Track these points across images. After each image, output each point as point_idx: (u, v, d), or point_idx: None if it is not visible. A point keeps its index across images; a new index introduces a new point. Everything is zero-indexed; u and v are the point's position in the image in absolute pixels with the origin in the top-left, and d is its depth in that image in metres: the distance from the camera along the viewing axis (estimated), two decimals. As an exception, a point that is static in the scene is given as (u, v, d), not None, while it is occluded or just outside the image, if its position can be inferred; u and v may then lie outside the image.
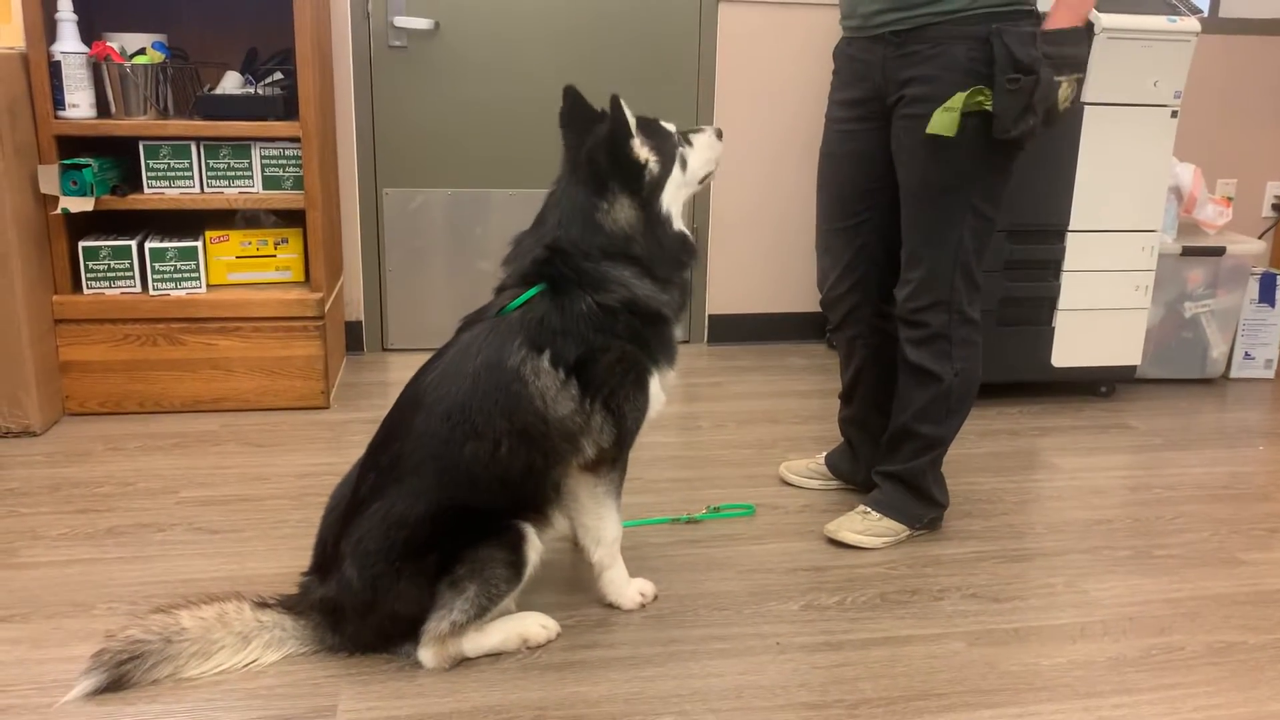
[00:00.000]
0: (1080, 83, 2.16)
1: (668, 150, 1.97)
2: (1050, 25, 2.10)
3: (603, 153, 1.90)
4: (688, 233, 2.01)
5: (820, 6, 3.75)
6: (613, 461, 1.99)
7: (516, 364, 1.85)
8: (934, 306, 2.28)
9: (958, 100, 2.08)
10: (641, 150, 1.92)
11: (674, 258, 1.97)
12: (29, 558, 2.25)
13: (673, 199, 1.98)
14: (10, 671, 1.85)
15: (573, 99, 1.97)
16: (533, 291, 1.90)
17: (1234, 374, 3.75)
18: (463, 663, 1.90)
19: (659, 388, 1.99)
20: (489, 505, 1.86)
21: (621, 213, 1.92)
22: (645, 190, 1.93)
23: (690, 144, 2.05)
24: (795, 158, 3.85)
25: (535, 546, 1.90)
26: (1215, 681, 1.94)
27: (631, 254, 1.92)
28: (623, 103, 1.87)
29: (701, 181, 2.08)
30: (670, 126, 2.02)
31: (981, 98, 2.09)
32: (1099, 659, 2.00)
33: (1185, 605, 2.21)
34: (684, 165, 2.00)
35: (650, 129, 1.96)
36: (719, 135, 2.11)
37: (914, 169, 2.23)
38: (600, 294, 1.89)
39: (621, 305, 1.90)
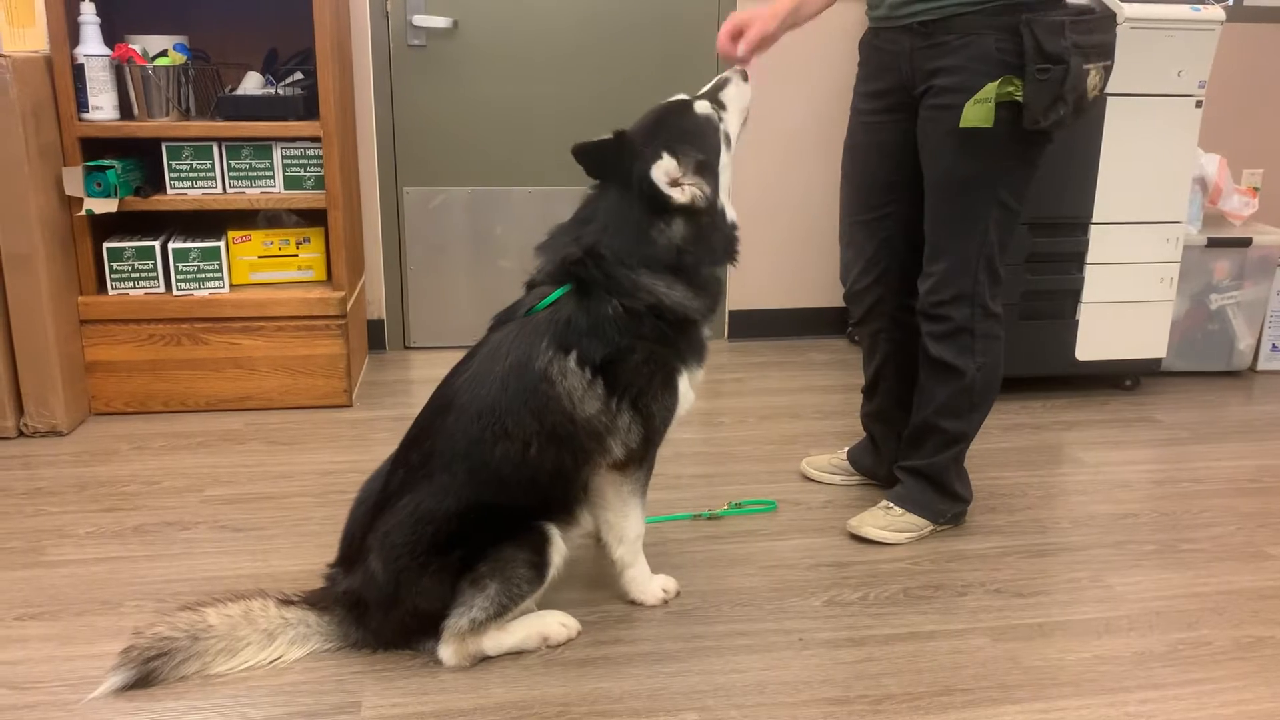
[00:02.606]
0: (1108, 70, 2.14)
1: (712, 155, 1.94)
2: None
3: (646, 192, 1.87)
4: (735, 222, 1.99)
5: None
6: (640, 461, 1.99)
7: (544, 365, 1.85)
8: (956, 300, 2.27)
9: (989, 91, 2.06)
10: (684, 196, 1.87)
11: (718, 259, 1.97)
12: (57, 556, 2.28)
13: (725, 188, 1.97)
14: (40, 668, 1.87)
15: (584, 158, 1.91)
16: (560, 292, 1.90)
17: (1261, 366, 3.71)
18: (484, 660, 1.90)
19: (688, 387, 1.99)
20: (517, 505, 1.87)
21: (678, 230, 1.90)
22: (704, 216, 1.92)
23: (724, 106, 2.01)
24: (816, 153, 3.83)
25: (559, 549, 1.90)
26: (1243, 676, 1.92)
27: (679, 264, 1.90)
28: (654, 175, 1.84)
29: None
30: (704, 107, 1.97)
31: (1011, 88, 2.07)
32: (1125, 654, 1.98)
33: (1212, 600, 2.19)
34: (728, 143, 1.98)
35: (691, 141, 1.91)
36: (744, 78, 2.07)
37: (940, 161, 2.22)
38: (627, 298, 1.87)
39: (647, 309, 1.88)
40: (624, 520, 2.02)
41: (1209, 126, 3.36)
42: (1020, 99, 2.07)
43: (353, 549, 1.93)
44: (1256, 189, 3.73)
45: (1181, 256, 3.35)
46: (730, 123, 2.01)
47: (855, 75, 2.42)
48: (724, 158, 1.97)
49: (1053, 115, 2.07)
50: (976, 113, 2.08)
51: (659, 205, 1.88)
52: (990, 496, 2.64)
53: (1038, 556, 2.36)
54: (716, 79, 2.08)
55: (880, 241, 2.41)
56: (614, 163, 1.91)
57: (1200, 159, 3.45)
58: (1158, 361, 3.45)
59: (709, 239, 1.94)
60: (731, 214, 1.99)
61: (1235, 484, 2.78)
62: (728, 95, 2.03)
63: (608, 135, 1.91)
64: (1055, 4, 2.12)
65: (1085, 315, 3.34)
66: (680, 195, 1.87)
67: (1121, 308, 3.35)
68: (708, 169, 1.92)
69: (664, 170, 1.85)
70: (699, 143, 1.93)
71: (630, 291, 1.88)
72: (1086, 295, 3.32)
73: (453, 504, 1.83)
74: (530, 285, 1.98)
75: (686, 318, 1.93)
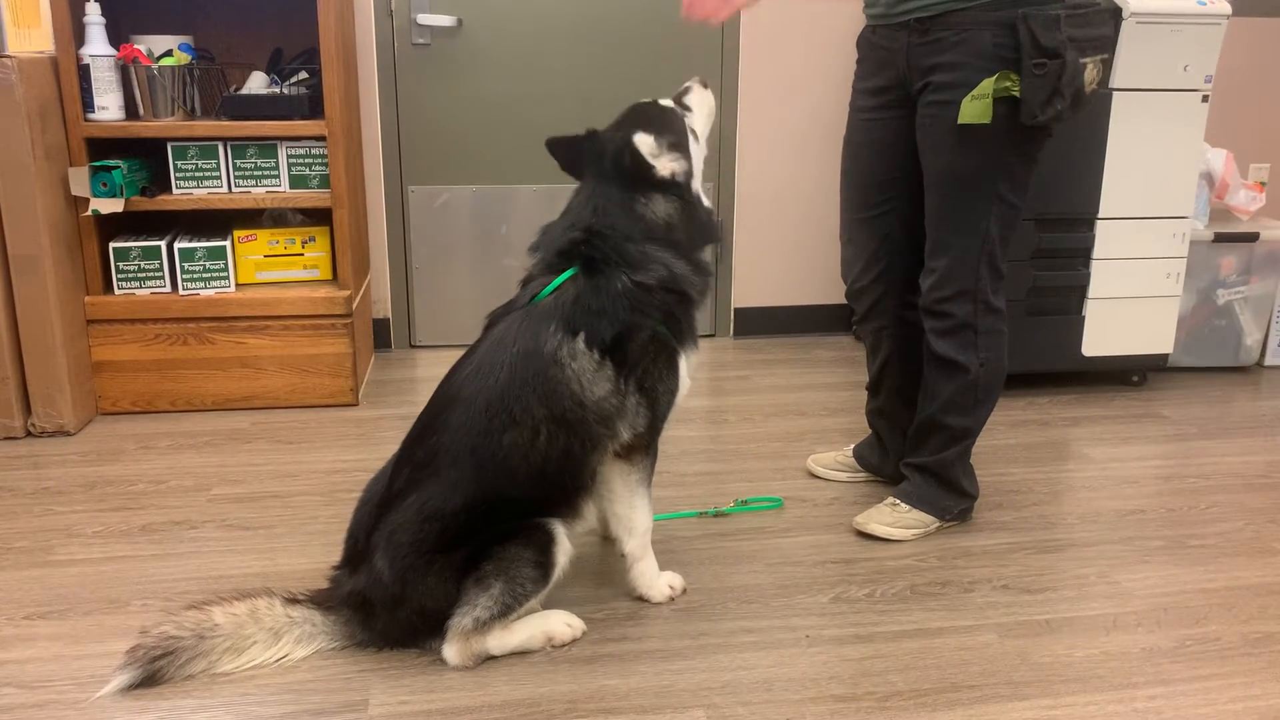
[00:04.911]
0: (1107, 64, 2.13)
1: (685, 143, 2.02)
2: None
3: (629, 165, 1.94)
4: (710, 207, 2.08)
5: (844, -4, 3.72)
6: (645, 448, 2.00)
7: (553, 348, 1.85)
8: (958, 296, 2.27)
9: (986, 87, 2.06)
10: (666, 169, 1.96)
11: (707, 236, 2.04)
12: (65, 555, 2.28)
13: (698, 175, 2.05)
14: (48, 667, 1.87)
15: (558, 151, 2.05)
16: (563, 277, 1.91)
17: (1268, 361, 3.70)
18: (489, 659, 1.90)
19: (686, 371, 2.01)
20: (523, 498, 1.87)
21: (660, 206, 1.97)
22: (680, 191, 1.99)
23: (689, 109, 2.11)
24: (819, 149, 3.83)
25: (565, 549, 1.90)
26: (1252, 672, 1.92)
27: (673, 239, 1.97)
28: (636, 143, 1.92)
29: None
30: (668, 103, 2.07)
31: (1008, 83, 2.07)
32: (1133, 650, 1.98)
33: (1220, 595, 2.18)
34: (695, 137, 2.07)
35: (662, 126, 1.99)
36: (704, 84, 2.17)
37: (939, 158, 2.22)
38: (639, 273, 1.91)
39: (659, 283, 1.92)
40: (632, 512, 2.03)
41: (1215, 121, 3.36)
42: (1017, 94, 2.07)
43: (357, 549, 1.93)
44: (1263, 184, 3.72)
45: (1188, 252, 3.35)
46: (696, 121, 2.10)
47: (854, 72, 2.42)
48: (693, 148, 2.05)
49: (1050, 110, 2.07)
50: (974, 109, 2.08)
51: (638, 180, 1.95)
52: (997, 493, 2.64)
53: (1045, 553, 2.36)
54: (681, 88, 2.16)
55: (881, 239, 2.40)
56: (589, 156, 2.00)
57: (1207, 154, 3.44)
58: (1165, 357, 3.45)
59: (694, 216, 2.01)
60: (707, 201, 2.07)
61: (1243, 479, 2.77)
62: (691, 99, 2.14)
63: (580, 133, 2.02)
64: None
65: (1092, 311, 3.34)
66: (661, 167, 1.95)
67: (1128, 303, 3.35)
68: (680, 149, 2.00)
69: (644, 142, 1.94)
70: (668, 127, 2.01)
71: (641, 264, 1.92)
72: (1093, 291, 3.32)
73: (459, 500, 1.83)
74: (526, 281, 2.00)
75: (688, 294, 1.98)
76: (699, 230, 2.01)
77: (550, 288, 1.91)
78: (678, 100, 2.10)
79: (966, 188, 2.21)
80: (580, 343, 1.86)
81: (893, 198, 2.36)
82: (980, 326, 2.29)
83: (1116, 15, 3.04)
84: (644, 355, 1.91)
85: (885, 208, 2.38)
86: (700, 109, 2.13)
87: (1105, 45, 2.12)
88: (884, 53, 2.28)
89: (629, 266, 1.91)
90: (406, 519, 1.84)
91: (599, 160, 1.99)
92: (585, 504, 1.97)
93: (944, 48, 2.15)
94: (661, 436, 2.05)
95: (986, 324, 2.29)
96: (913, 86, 2.23)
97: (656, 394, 1.95)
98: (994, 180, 2.20)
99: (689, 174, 2.00)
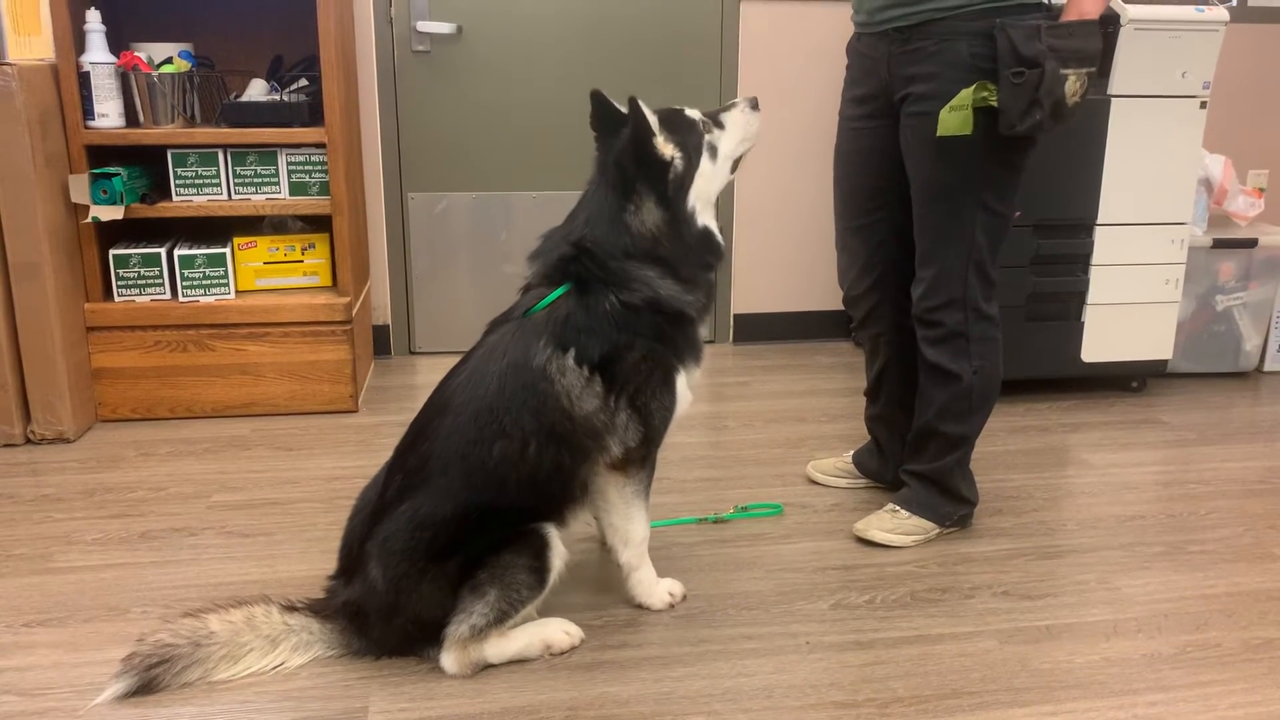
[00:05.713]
0: (1090, 77, 2.10)
1: (692, 144, 1.95)
2: (1067, 17, 2.07)
3: (628, 156, 1.90)
4: (713, 229, 2.00)
5: (843, 2, 3.72)
6: (641, 461, 1.99)
7: (542, 363, 1.85)
8: (949, 305, 2.26)
9: (965, 97, 2.06)
10: (665, 148, 1.91)
11: (699, 258, 1.97)
12: (65, 562, 2.28)
13: (699, 194, 1.96)
14: (47, 674, 1.87)
15: (598, 103, 1.96)
16: (559, 292, 1.91)
17: (1268, 367, 3.69)
18: (487, 667, 1.90)
19: (685, 386, 1.99)
20: (516, 506, 1.86)
21: (649, 215, 1.92)
22: (670, 189, 1.92)
23: (722, 126, 2.03)
24: (819, 155, 3.83)
25: (559, 553, 1.89)
26: (1252, 678, 1.91)
27: (657, 254, 1.92)
28: (641, 103, 1.87)
29: (735, 167, 2.07)
30: (695, 114, 2.00)
31: (986, 93, 2.06)
32: (1133, 656, 1.98)
33: (1221, 601, 2.18)
34: (713, 154, 1.99)
35: (674, 123, 1.95)
36: (754, 105, 2.08)
37: (922, 168, 2.22)
38: (624, 292, 1.89)
39: (645, 304, 1.90)
40: (629, 523, 2.02)
41: (1214, 127, 3.36)
42: (995, 104, 2.06)
43: (352, 558, 1.92)
44: (1262, 190, 3.72)
45: (1187, 258, 3.35)
46: (723, 141, 2.02)
47: (843, 80, 2.42)
48: (705, 164, 1.97)
49: (1029, 120, 2.05)
50: (953, 120, 2.07)
51: (638, 163, 1.89)
52: (997, 499, 2.64)
53: (1045, 559, 2.35)
54: (726, 103, 2.10)
55: (874, 247, 2.40)
56: (615, 120, 1.94)
57: (1205, 160, 3.45)
58: (1164, 363, 3.45)
59: (681, 235, 1.94)
60: (706, 221, 1.99)
61: (1243, 485, 2.77)
62: (729, 117, 2.06)
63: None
64: (1034, 8, 2.11)
65: (1091, 317, 3.34)
66: (661, 145, 1.90)
67: (1127, 309, 3.35)
68: (684, 150, 1.94)
69: (651, 116, 1.89)
70: (681, 131, 1.95)
71: (625, 283, 1.89)
72: (1092, 297, 3.32)
73: (451, 508, 1.82)
74: (525, 289, 1.99)
75: (682, 313, 1.94)
76: (687, 251, 1.94)
77: (545, 301, 1.90)
78: (711, 115, 2.03)
79: (950, 198, 2.21)
80: (570, 359, 1.86)
81: (883, 205, 2.36)
82: (972, 334, 2.28)
83: (1109, 26, 3.04)
84: (635, 373, 1.90)
85: (876, 215, 2.38)
86: (735, 129, 2.04)
87: (1089, 59, 2.08)
88: (868, 61, 2.28)
89: (615, 286, 1.89)
90: (399, 527, 1.83)
91: (607, 148, 1.95)
92: (574, 513, 1.97)
93: (922, 57, 2.15)
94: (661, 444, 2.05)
95: (978, 331, 2.29)
96: (895, 95, 2.23)
97: (650, 410, 1.93)
98: (977, 190, 2.19)
99: (684, 179, 1.93)
